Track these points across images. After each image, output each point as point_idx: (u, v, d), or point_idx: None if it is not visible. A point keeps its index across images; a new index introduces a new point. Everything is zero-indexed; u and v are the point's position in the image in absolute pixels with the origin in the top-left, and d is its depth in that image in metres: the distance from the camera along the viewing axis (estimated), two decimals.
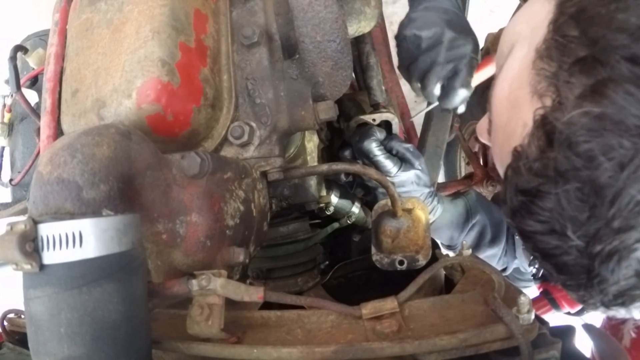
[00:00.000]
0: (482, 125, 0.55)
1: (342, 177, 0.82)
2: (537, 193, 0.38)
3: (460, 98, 0.71)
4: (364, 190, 0.82)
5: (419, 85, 0.75)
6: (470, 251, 0.54)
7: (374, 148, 0.75)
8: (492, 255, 0.92)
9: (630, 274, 0.35)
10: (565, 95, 0.36)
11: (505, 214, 0.43)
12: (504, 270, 0.95)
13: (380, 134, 0.77)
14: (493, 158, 0.51)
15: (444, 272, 0.62)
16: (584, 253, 0.36)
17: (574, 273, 0.38)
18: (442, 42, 0.69)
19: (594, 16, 0.36)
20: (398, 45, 0.76)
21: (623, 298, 0.37)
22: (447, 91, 0.71)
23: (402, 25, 0.74)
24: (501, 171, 0.46)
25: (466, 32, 0.70)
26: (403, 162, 0.78)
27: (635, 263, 0.34)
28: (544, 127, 0.37)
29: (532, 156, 0.38)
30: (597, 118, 0.33)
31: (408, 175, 0.77)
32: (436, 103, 0.76)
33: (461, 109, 0.75)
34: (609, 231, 0.34)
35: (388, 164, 0.75)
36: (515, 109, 0.43)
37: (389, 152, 0.79)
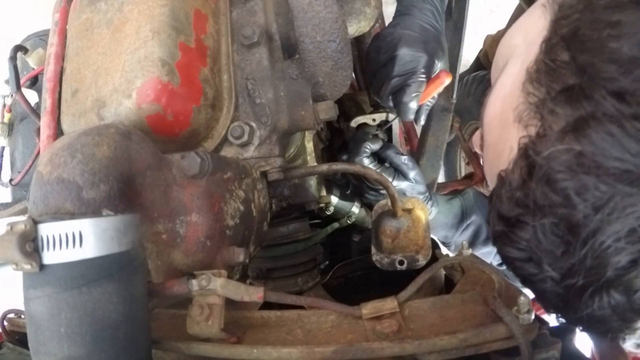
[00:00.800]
0: (476, 138, 0.55)
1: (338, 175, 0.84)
2: (516, 222, 0.38)
3: (410, 111, 0.74)
4: (359, 195, 0.83)
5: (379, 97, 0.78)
6: (470, 251, 0.54)
7: (366, 164, 0.77)
8: (487, 253, 0.94)
9: (604, 306, 0.35)
10: (549, 125, 0.35)
11: (490, 236, 0.42)
12: (501, 264, 0.96)
13: (374, 145, 0.78)
14: (485, 174, 0.51)
15: (444, 272, 0.62)
16: (559, 284, 0.36)
17: (551, 300, 0.39)
18: (394, 58, 0.72)
19: (585, 41, 0.34)
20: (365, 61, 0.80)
21: (598, 328, 0.37)
22: (396, 104, 0.74)
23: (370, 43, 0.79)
24: (491, 187, 0.46)
25: (422, 47, 0.72)
26: (397, 172, 0.79)
27: (609, 298, 0.34)
28: (527, 158, 0.36)
29: (514, 184, 0.38)
30: (576, 156, 0.33)
31: (402, 187, 0.79)
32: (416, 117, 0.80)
33: (421, 122, 0.79)
34: (582, 267, 0.34)
35: None
36: (505, 130, 0.42)
37: (384, 161, 0.80)
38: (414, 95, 0.72)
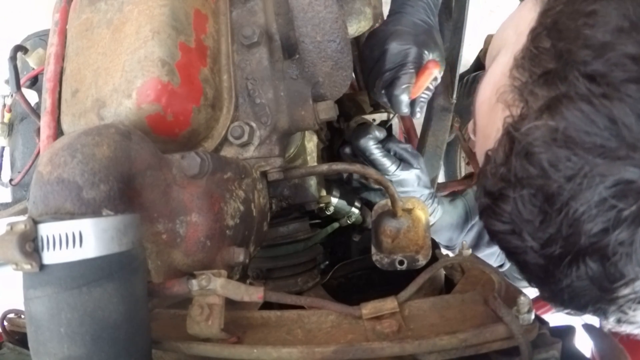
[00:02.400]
0: (471, 124, 0.57)
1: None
2: (499, 196, 0.40)
3: (402, 104, 0.74)
4: (357, 191, 0.83)
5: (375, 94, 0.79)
6: (470, 251, 0.54)
7: (371, 146, 0.76)
8: (490, 254, 0.94)
9: (582, 276, 0.37)
10: (530, 105, 0.38)
11: (478, 213, 0.46)
12: (501, 266, 0.96)
13: (379, 133, 0.78)
14: (477, 157, 0.54)
15: (444, 272, 0.61)
16: (539, 253, 0.39)
17: (533, 272, 0.41)
18: (384, 53, 0.73)
19: (563, 30, 0.37)
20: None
21: (579, 300, 0.39)
22: (388, 98, 0.75)
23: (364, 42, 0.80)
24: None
25: (412, 40, 0.73)
26: (402, 161, 0.78)
27: (586, 267, 0.36)
28: (509, 135, 0.39)
29: (498, 161, 0.40)
30: (550, 131, 0.35)
31: (409, 175, 0.78)
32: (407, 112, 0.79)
33: (417, 115, 0.78)
34: (559, 236, 0.36)
35: (386, 162, 0.76)
36: (493, 113, 0.44)
37: (388, 152, 0.79)
38: (404, 87, 0.72)
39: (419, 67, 0.73)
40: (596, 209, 0.34)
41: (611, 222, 0.34)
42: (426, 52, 0.74)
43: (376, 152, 0.76)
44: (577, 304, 0.40)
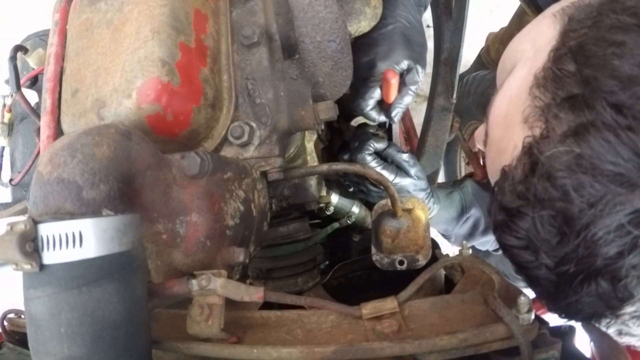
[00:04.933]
0: (479, 133, 0.57)
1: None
2: (516, 213, 0.41)
3: (370, 115, 0.75)
4: (356, 187, 0.83)
5: None
6: (470, 251, 0.54)
7: (369, 162, 0.78)
8: (485, 242, 0.97)
9: (592, 293, 0.38)
10: (553, 128, 0.38)
11: (491, 225, 0.46)
12: (497, 250, 0.98)
13: (378, 144, 0.78)
14: (486, 168, 0.54)
15: (444, 272, 0.62)
16: (552, 270, 0.40)
17: (543, 286, 0.42)
18: (358, 67, 0.73)
19: (591, 56, 0.38)
20: None
21: (585, 313, 0.40)
22: (355, 110, 0.76)
23: None
24: (492, 181, 0.49)
25: (372, 52, 0.73)
26: (399, 170, 0.80)
27: (597, 285, 0.37)
28: (530, 156, 0.40)
29: (517, 179, 0.41)
30: (576, 157, 0.36)
31: (404, 183, 0.80)
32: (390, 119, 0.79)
33: (394, 120, 0.76)
34: (575, 256, 0.37)
35: (384, 173, 0.77)
36: (509, 129, 0.45)
37: (386, 159, 0.80)
38: (368, 101, 0.73)
39: (379, 77, 0.72)
40: (613, 234, 0.35)
41: (627, 247, 0.35)
42: (378, 63, 0.72)
43: (375, 166, 0.77)
44: (581, 316, 0.42)
